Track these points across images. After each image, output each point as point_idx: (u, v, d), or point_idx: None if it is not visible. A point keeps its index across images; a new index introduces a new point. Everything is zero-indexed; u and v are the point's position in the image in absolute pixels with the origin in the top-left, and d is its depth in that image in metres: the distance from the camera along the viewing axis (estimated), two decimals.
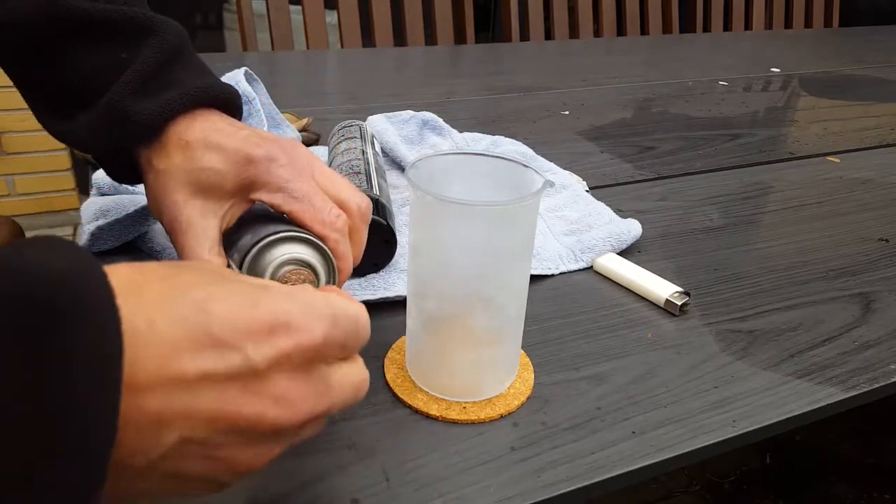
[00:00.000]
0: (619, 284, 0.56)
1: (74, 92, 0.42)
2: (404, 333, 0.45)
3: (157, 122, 0.40)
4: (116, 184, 0.52)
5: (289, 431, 0.26)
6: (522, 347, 0.45)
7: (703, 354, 0.48)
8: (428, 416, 0.40)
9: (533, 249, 0.42)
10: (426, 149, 0.78)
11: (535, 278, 0.55)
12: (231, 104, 0.44)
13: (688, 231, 0.66)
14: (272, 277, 0.38)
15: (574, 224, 0.63)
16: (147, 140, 0.41)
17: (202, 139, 0.40)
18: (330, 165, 0.63)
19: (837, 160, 0.88)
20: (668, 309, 0.52)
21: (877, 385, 0.46)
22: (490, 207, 0.37)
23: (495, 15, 2.82)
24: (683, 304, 0.52)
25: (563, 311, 0.52)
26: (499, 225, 0.38)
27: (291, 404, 0.26)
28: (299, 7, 1.37)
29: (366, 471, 0.37)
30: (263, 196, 0.40)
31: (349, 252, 0.41)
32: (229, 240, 0.41)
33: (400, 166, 0.73)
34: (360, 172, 0.57)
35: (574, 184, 0.71)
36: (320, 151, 0.75)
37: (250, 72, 0.74)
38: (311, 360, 0.27)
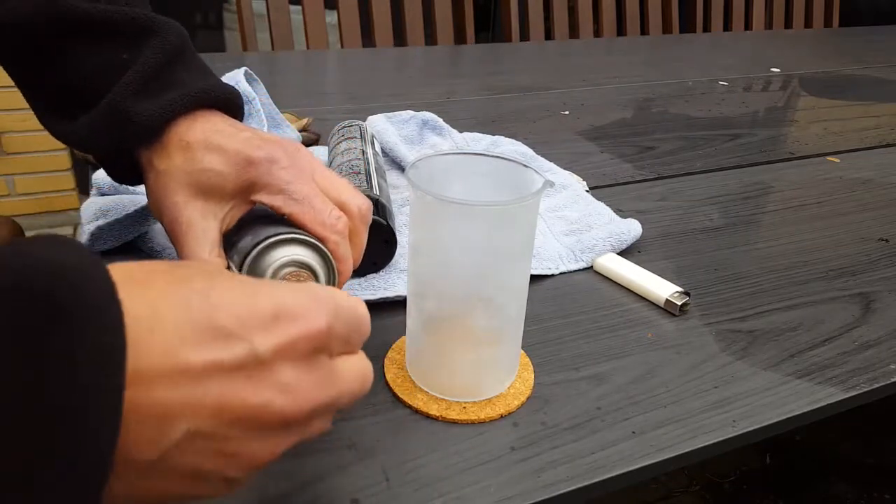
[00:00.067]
0: (619, 284, 0.56)
1: (75, 92, 0.42)
2: (404, 333, 0.45)
3: (158, 123, 0.40)
4: (116, 184, 0.52)
5: (296, 423, 0.26)
6: (522, 347, 0.45)
7: (703, 354, 0.48)
8: (428, 416, 0.40)
9: (533, 249, 0.42)
10: (426, 149, 0.78)
11: (535, 278, 0.55)
12: (232, 105, 0.44)
13: (688, 231, 0.66)
14: (272, 279, 0.38)
15: (574, 224, 0.63)
16: (148, 141, 0.41)
17: (203, 140, 0.40)
18: (330, 165, 0.63)
19: (837, 160, 0.88)
20: (668, 309, 0.52)
21: (877, 385, 0.46)
22: (490, 207, 0.37)
23: (495, 15, 2.82)
24: (683, 304, 0.52)
25: (563, 311, 0.52)
26: (499, 225, 0.38)
27: (297, 393, 0.26)
28: (299, 7, 1.37)
29: (366, 471, 0.37)
30: (264, 198, 0.40)
31: (349, 254, 0.41)
32: (229, 241, 0.41)
33: (400, 166, 0.73)
34: (360, 172, 0.57)
35: (574, 184, 0.71)
36: (320, 151, 0.75)
37: (250, 72, 0.74)
38: (316, 349, 0.27)
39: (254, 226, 0.40)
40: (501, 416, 0.41)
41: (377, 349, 0.45)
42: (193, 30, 2.67)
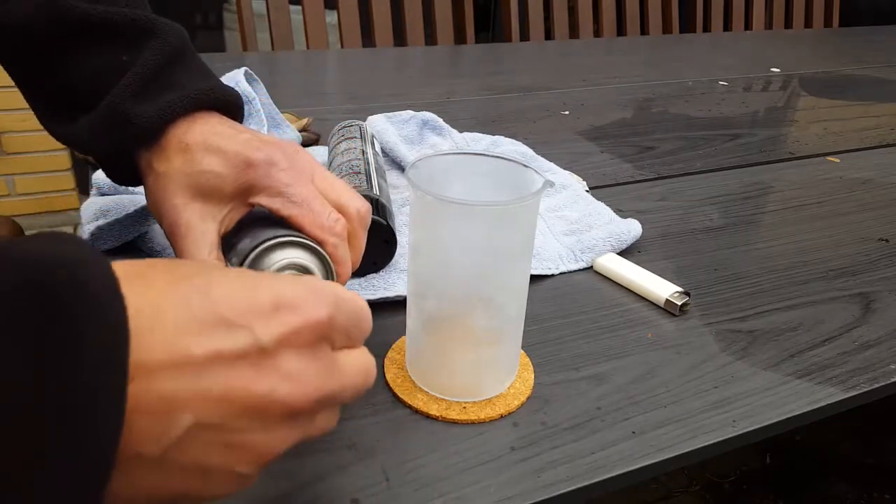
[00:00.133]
0: (619, 284, 0.56)
1: (75, 94, 0.42)
2: (404, 333, 0.45)
3: (157, 125, 0.40)
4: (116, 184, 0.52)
5: (301, 412, 0.26)
6: (522, 347, 0.45)
7: (703, 354, 0.48)
8: (428, 416, 0.40)
9: (533, 249, 0.42)
10: (426, 149, 0.78)
11: (535, 278, 0.55)
12: (232, 106, 0.44)
13: (688, 231, 0.66)
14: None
15: (574, 224, 0.63)
16: (147, 143, 0.41)
17: (202, 142, 0.40)
18: (330, 165, 0.63)
19: (837, 160, 0.88)
20: (668, 309, 0.52)
21: (877, 385, 0.46)
22: (490, 207, 0.37)
23: (495, 15, 2.83)
24: (683, 304, 0.52)
25: (563, 311, 0.52)
26: (499, 225, 0.38)
27: (301, 381, 0.26)
28: (299, 7, 1.37)
29: (366, 471, 0.37)
30: (263, 200, 0.40)
31: (348, 257, 0.41)
32: (228, 243, 0.41)
33: (400, 166, 0.73)
34: (360, 172, 0.57)
35: (574, 184, 0.71)
36: (320, 151, 0.75)
37: (250, 72, 0.74)
38: (318, 338, 0.27)
39: (252, 228, 0.40)
40: (501, 416, 0.41)
41: (377, 349, 0.45)
42: (193, 30, 2.67)
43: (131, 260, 0.25)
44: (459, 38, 1.57)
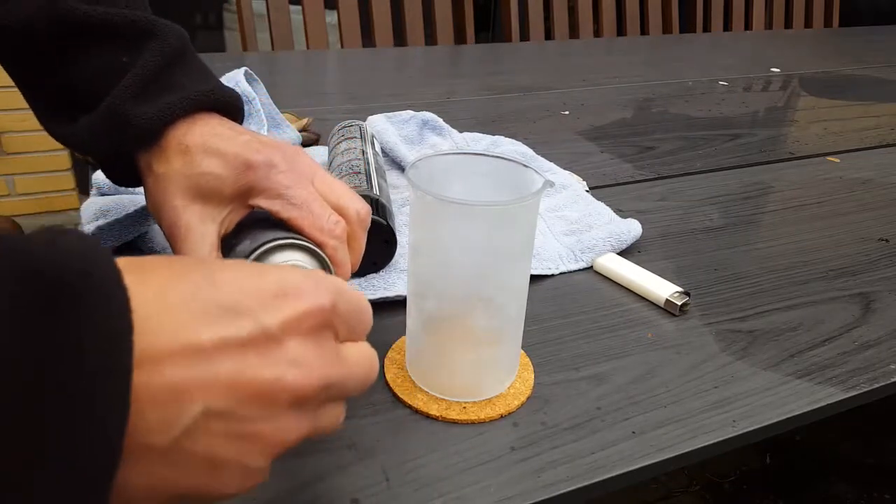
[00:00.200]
0: (619, 284, 0.56)
1: (75, 95, 0.42)
2: (404, 333, 0.45)
3: (157, 127, 0.40)
4: None
5: (308, 399, 0.26)
6: (522, 347, 0.45)
7: (703, 354, 0.48)
8: (428, 416, 0.40)
9: (533, 249, 0.42)
10: (426, 149, 0.78)
11: (535, 278, 0.55)
12: (232, 108, 0.44)
13: (688, 231, 0.66)
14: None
15: (574, 224, 0.63)
16: (147, 144, 0.41)
17: (202, 144, 0.40)
18: (330, 165, 0.63)
19: (837, 160, 0.88)
20: (668, 309, 0.52)
21: (877, 385, 0.46)
22: (490, 207, 0.37)
23: (495, 15, 2.83)
24: (683, 304, 0.52)
25: (563, 311, 0.52)
26: (499, 225, 0.38)
27: (307, 367, 0.26)
28: (299, 7, 1.37)
29: (366, 471, 0.37)
30: (262, 202, 0.40)
31: (347, 259, 0.41)
32: (228, 245, 0.41)
33: (400, 166, 0.73)
34: (360, 172, 0.57)
35: (574, 184, 0.71)
36: (320, 151, 0.75)
37: (250, 72, 0.74)
38: (322, 325, 0.27)
39: (252, 230, 0.40)
40: (501, 416, 0.41)
41: (377, 349, 0.45)
42: (193, 30, 2.67)
43: (131, 256, 0.25)
44: (459, 38, 1.57)
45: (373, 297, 0.50)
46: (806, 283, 0.58)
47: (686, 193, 0.75)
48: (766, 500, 1.34)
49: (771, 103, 1.15)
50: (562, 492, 0.36)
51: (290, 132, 0.76)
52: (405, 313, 0.43)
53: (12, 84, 0.44)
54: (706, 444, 0.40)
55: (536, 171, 0.39)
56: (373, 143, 0.66)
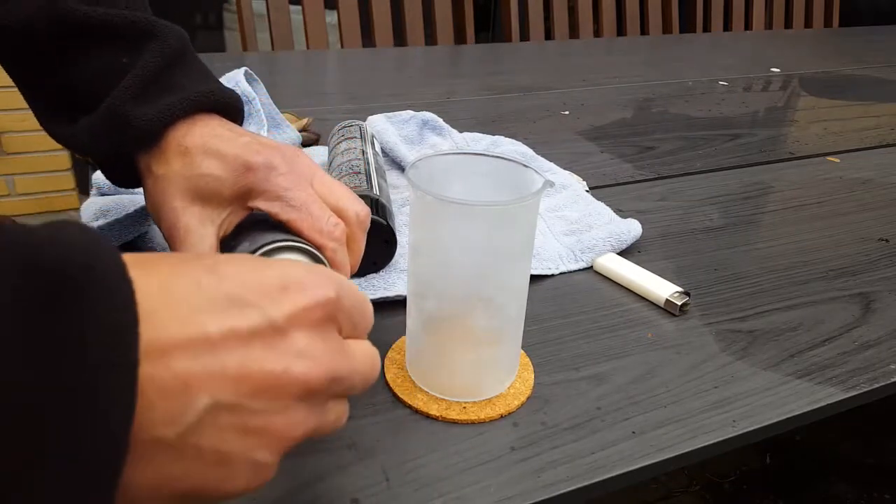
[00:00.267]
0: (619, 284, 0.56)
1: (75, 96, 0.42)
2: (404, 333, 0.45)
3: (157, 128, 0.40)
4: None
5: (316, 392, 0.26)
6: (522, 347, 0.45)
7: (703, 354, 0.48)
8: (428, 416, 0.40)
9: (533, 249, 0.42)
10: (426, 149, 0.78)
11: (535, 278, 0.55)
12: (232, 109, 0.44)
13: (688, 231, 0.66)
14: None
15: (574, 224, 0.63)
16: (146, 146, 0.41)
17: (201, 145, 0.40)
18: (330, 165, 0.63)
19: (837, 160, 0.88)
20: (668, 309, 0.52)
21: (877, 385, 0.46)
22: (490, 207, 0.37)
23: (495, 15, 2.83)
24: (683, 304, 0.52)
25: (563, 311, 0.52)
26: (499, 225, 0.38)
27: (314, 358, 0.26)
28: (299, 7, 1.37)
29: (366, 471, 0.37)
30: (261, 204, 0.40)
31: (347, 261, 0.41)
32: (227, 247, 0.41)
33: (400, 166, 0.73)
34: (360, 172, 0.57)
35: (574, 184, 0.71)
36: (320, 151, 0.75)
37: (250, 72, 0.74)
38: (327, 318, 0.27)
39: (251, 232, 0.40)
40: (501, 416, 0.41)
41: (377, 349, 0.45)
42: (193, 30, 2.67)
43: (133, 253, 0.25)
44: (459, 38, 1.57)
45: (373, 297, 0.50)
46: (806, 283, 0.58)
47: (686, 193, 0.75)
48: (766, 500, 1.34)
49: (771, 103, 1.15)
50: (562, 492, 0.36)
51: (290, 132, 0.76)
52: (405, 313, 0.43)
53: (12, 84, 0.44)
54: (706, 444, 0.40)
55: (536, 171, 0.39)
56: (373, 143, 0.66)
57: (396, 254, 0.53)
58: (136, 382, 0.21)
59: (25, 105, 0.44)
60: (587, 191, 0.72)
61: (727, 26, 1.90)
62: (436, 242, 0.39)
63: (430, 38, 1.52)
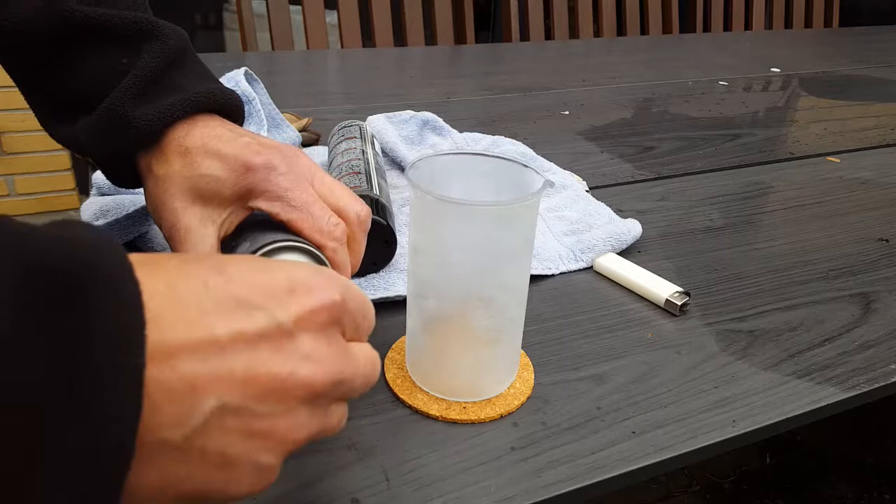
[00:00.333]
0: (619, 284, 0.56)
1: (76, 96, 0.42)
2: (404, 333, 0.45)
3: (157, 128, 0.40)
4: None
5: (321, 395, 0.26)
6: (522, 347, 0.45)
7: (703, 354, 0.48)
8: (428, 416, 0.40)
9: (533, 249, 0.42)
10: (426, 149, 0.78)
11: (535, 278, 0.55)
12: (232, 109, 0.44)
13: (688, 231, 0.66)
14: None
15: (574, 224, 0.63)
16: (147, 146, 0.41)
17: (201, 146, 0.40)
18: (330, 165, 0.63)
19: (837, 160, 0.88)
20: (668, 309, 0.52)
21: (877, 385, 0.46)
22: (490, 207, 0.37)
23: (495, 15, 2.82)
24: (683, 304, 0.52)
25: (563, 311, 0.52)
26: (499, 225, 0.38)
27: (320, 362, 0.26)
28: (299, 7, 1.37)
29: (366, 471, 0.37)
30: (262, 204, 0.40)
31: (347, 261, 0.41)
32: (227, 247, 0.41)
33: (400, 166, 0.73)
34: (360, 172, 0.57)
35: (574, 184, 0.71)
36: (320, 151, 0.75)
37: (250, 72, 0.74)
38: (332, 321, 0.27)
39: (252, 232, 0.40)
40: (501, 416, 0.41)
41: (377, 349, 0.45)
42: (193, 30, 2.67)
43: (137, 253, 0.25)
44: (459, 38, 1.57)
45: (373, 297, 0.50)
46: (806, 283, 0.58)
47: (686, 193, 0.75)
48: (766, 500, 1.34)
49: (771, 103, 1.15)
50: (562, 492, 0.36)
51: (290, 132, 0.76)
52: (405, 313, 0.43)
53: (12, 84, 0.44)
54: (706, 444, 0.40)
55: (536, 171, 0.39)
56: (373, 143, 0.66)
57: (396, 254, 0.53)
58: (142, 385, 0.21)
59: (25, 105, 0.44)
60: (587, 191, 0.72)
61: (727, 26, 1.90)
62: (436, 242, 0.39)
63: (430, 39, 1.52)
